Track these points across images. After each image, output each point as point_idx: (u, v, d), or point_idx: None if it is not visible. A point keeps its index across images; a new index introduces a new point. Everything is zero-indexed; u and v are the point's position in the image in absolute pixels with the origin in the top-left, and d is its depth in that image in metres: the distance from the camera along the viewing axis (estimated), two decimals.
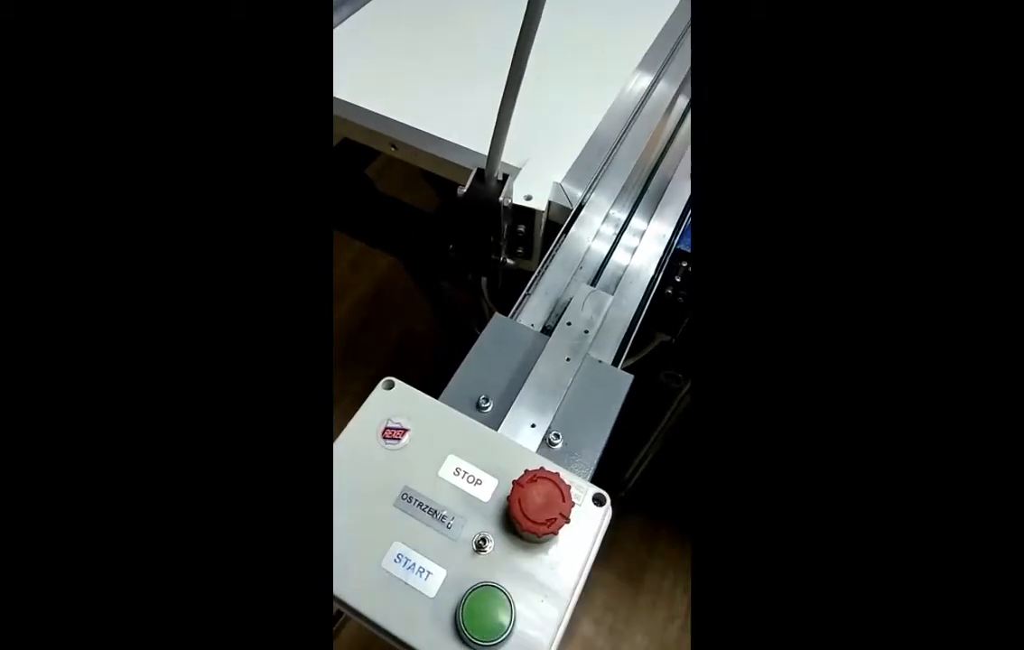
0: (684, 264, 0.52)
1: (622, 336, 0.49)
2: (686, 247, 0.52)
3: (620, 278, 0.53)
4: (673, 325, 0.56)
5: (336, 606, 0.33)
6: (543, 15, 0.44)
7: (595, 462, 0.42)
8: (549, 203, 0.57)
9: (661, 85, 0.69)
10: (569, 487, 0.33)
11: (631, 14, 0.79)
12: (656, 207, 0.59)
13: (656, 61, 0.72)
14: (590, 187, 0.59)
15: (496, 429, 0.41)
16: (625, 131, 0.64)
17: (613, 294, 0.51)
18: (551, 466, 0.35)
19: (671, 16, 0.79)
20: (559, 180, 0.59)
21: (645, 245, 0.55)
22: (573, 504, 0.33)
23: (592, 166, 0.61)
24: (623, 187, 0.60)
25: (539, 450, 0.41)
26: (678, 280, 0.53)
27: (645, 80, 0.70)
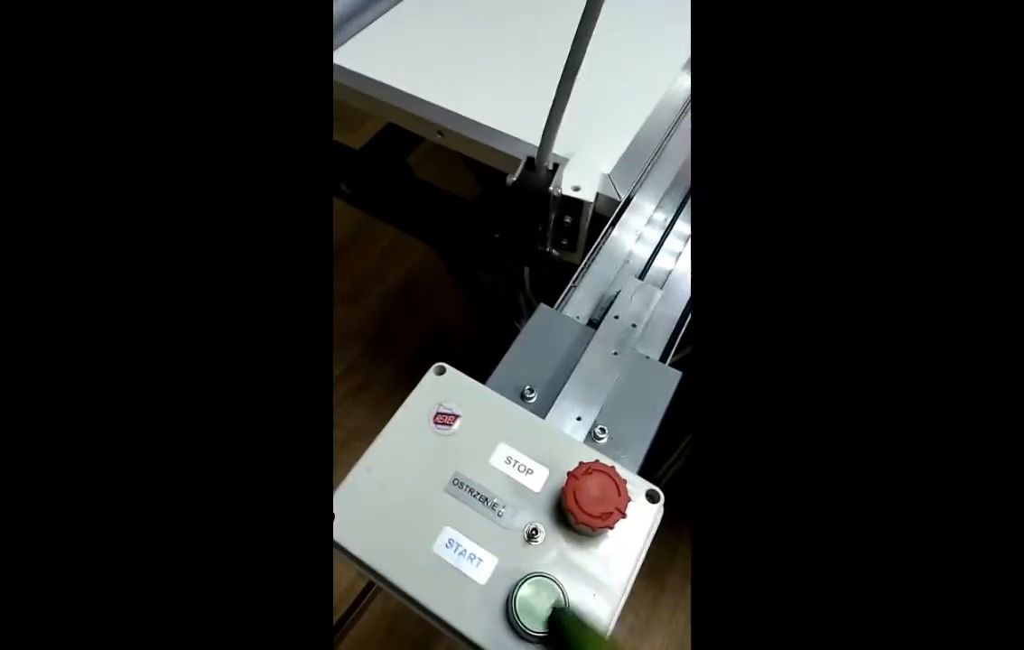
0: None
1: (671, 332, 0.48)
2: None
3: (669, 274, 0.52)
4: None
5: (380, 585, 0.33)
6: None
7: (642, 458, 0.42)
8: (597, 195, 0.57)
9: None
10: (626, 482, 0.33)
11: (684, 14, 0.78)
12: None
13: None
14: (638, 181, 0.58)
15: (544, 415, 0.41)
16: (673, 127, 0.63)
17: (661, 290, 0.50)
18: (604, 459, 0.34)
19: None
20: (607, 172, 0.58)
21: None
22: (630, 499, 0.32)
23: (640, 160, 0.60)
24: (672, 182, 0.59)
25: (584, 443, 0.41)
26: None
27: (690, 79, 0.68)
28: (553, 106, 0.47)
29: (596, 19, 0.44)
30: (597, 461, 0.33)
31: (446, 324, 1.24)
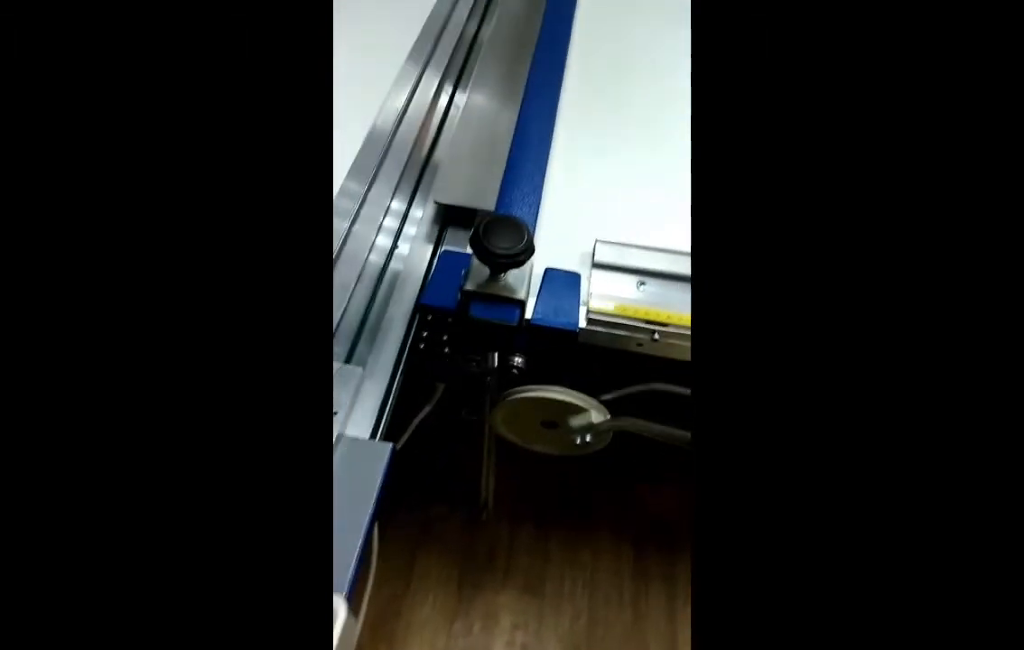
0: (429, 317, 0.52)
1: (377, 408, 0.48)
2: (429, 302, 0.52)
3: (374, 341, 0.52)
4: (443, 372, 0.56)
5: None
6: None
7: (358, 548, 0.41)
8: None
9: (408, 118, 0.69)
10: None
11: (377, 47, 0.77)
12: (404, 258, 0.59)
13: (399, 100, 0.69)
14: (345, 237, 0.57)
15: None
16: (375, 173, 0.63)
17: (364, 367, 0.50)
18: None
19: (413, 46, 0.77)
20: None
21: (394, 307, 0.54)
22: None
23: (348, 206, 0.59)
24: (377, 232, 0.59)
25: None
26: (425, 334, 0.53)
27: (391, 112, 0.67)
28: None
29: None
30: None
31: None
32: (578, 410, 0.56)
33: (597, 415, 0.56)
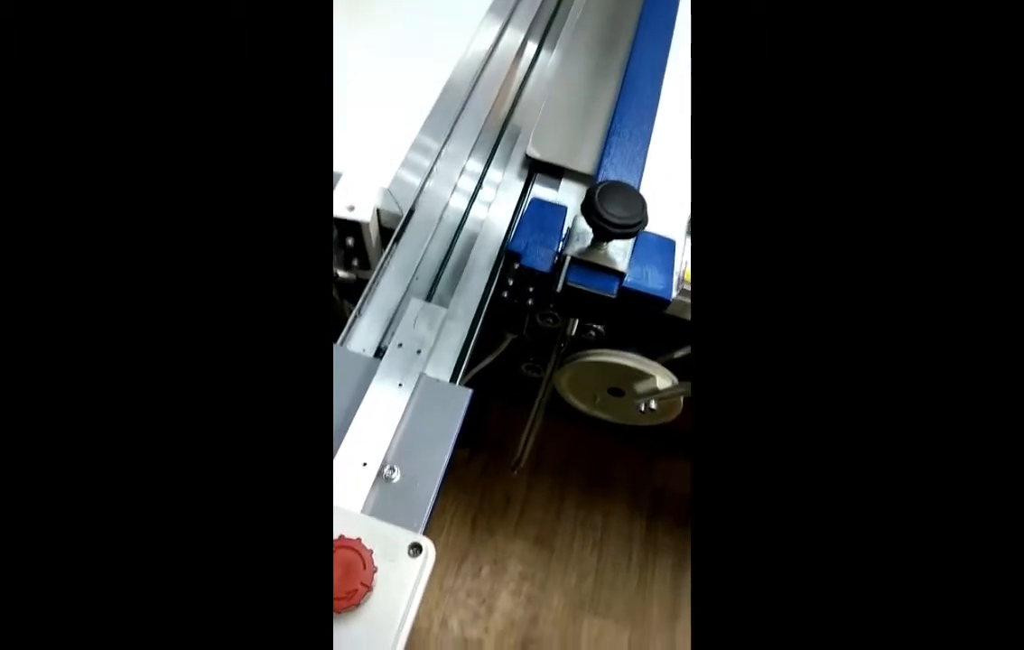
0: (516, 266, 0.50)
1: (459, 350, 0.48)
2: (517, 248, 0.50)
3: (456, 286, 0.51)
4: (518, 324, 0.55)
5: None
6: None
7: (436, 487, 0.41)
8: (378, 211, 0.54)
9: (485, 76, 0.67)
10: (371, 551, 0.32)
11: (457, 9, 0.75)
12: (488, 207, 0.57)
13: (472, 64, 0.68)
14: (420, 189, 0.56)
15: None
16: (452, 129, 0.61)
17: (448, 307, 0.49)
18: (359, 527, 0.33)
19: (482, 21, 0.75)
20: (387, 186, 0.56)
21: (478, 250, 0.53)
22: (376, 569, 0.31)
23: (420, 170, 0.58)
24: (455, 188, 0.58)
25: (373, 489, 0.40)
26: (511, 283, 0.52)
27: (466, 73, 0.66)
28: None
29: None
30: (342, 537, 0.32)
31: None
32: (645, 377, 0.56)
33: (662, 381, 0.56)
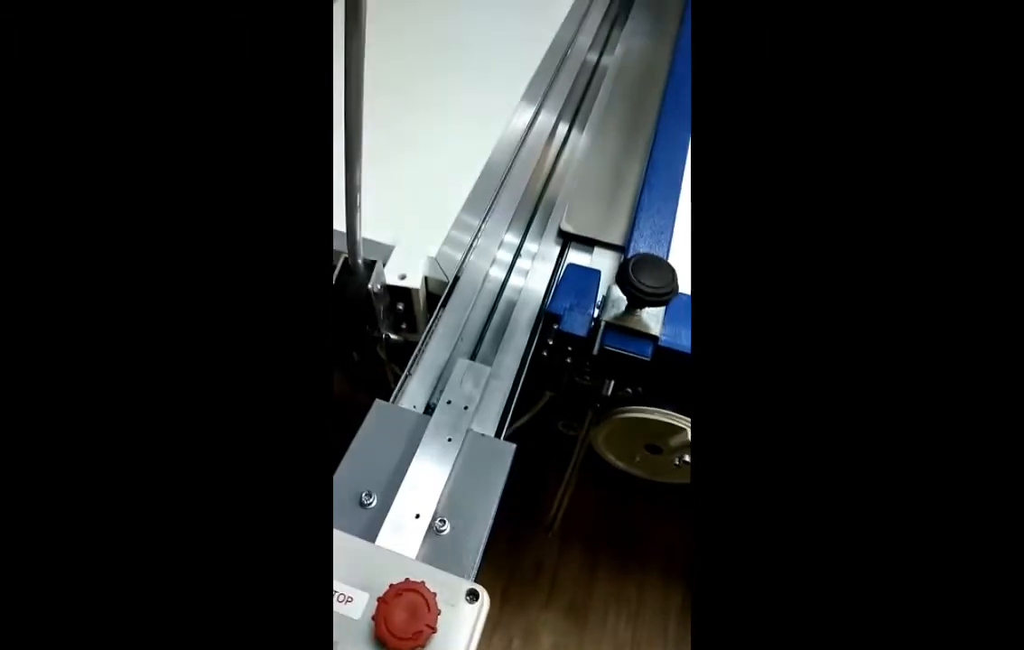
0: (555, 326, 0.53)
1: (502, 407, 0.50)
2: (556, 310, 0.54)
3: (499, 346, 0.54)
4: (556, 382, 0.58)
5: None
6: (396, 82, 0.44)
7: (484, 538, 0.43)
8: (426, 279, 0.58)
9: (521, 155, 0.72)
10: (435, 595, 0.33)
11: (496, 85, 0.82)
12: (526, 275, 0.61)
13: (509, 144, 0.73)
14: (464, 258, 0.60)
15: (380, 525, 0.41)
16: (495, 200, 0.66)
17: (491, 365, 0.52)
18: (420, 573, 0.35)
19: (532, 79, 0.81)
20: (433, 255, 0.60)
21: (518, 312, 0.56)
22: (439, 612, 0.33)
23: (464, 238, 0.62)
24: (494, 260, 0.62)
25: (425, 540, 0.41)
26: (551, 342, 0.55)
27: (504, 153, 0.71)
28: (347, 203, 0.47)
29: (361, 101, 0.43)
30: (407, 580, 0.33)
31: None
32: (678, 431, 0.57)
33: None
